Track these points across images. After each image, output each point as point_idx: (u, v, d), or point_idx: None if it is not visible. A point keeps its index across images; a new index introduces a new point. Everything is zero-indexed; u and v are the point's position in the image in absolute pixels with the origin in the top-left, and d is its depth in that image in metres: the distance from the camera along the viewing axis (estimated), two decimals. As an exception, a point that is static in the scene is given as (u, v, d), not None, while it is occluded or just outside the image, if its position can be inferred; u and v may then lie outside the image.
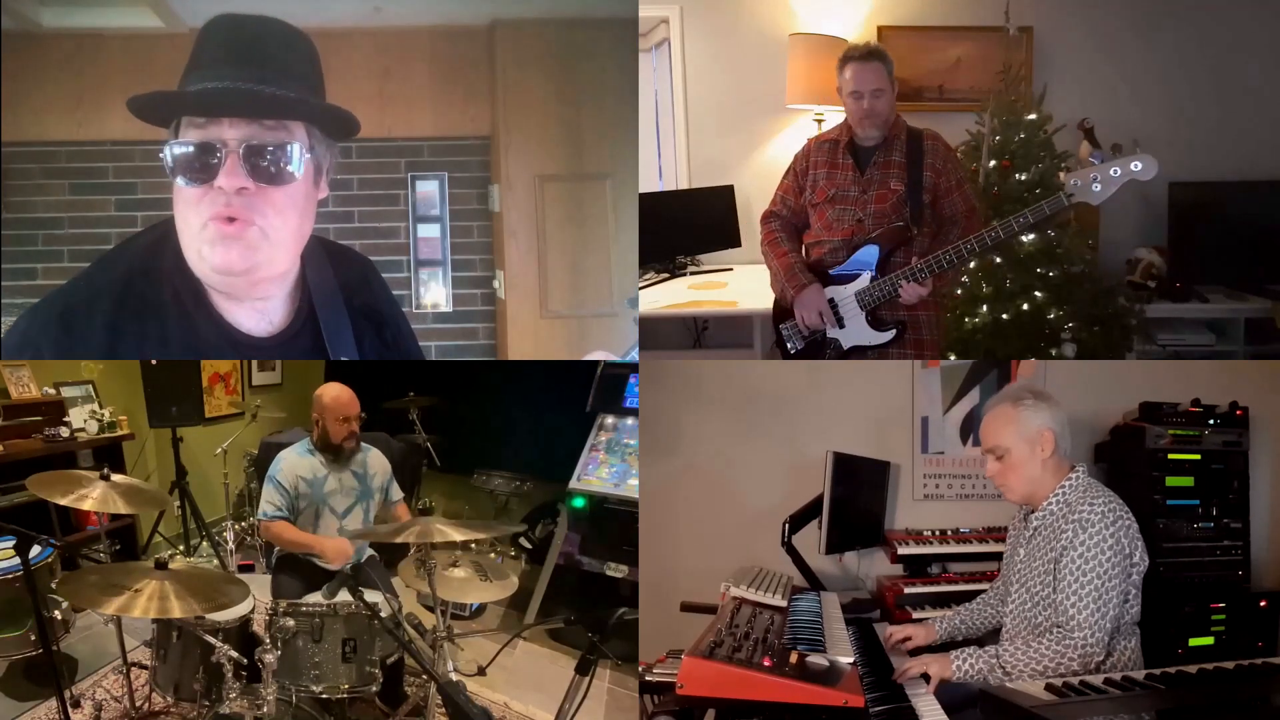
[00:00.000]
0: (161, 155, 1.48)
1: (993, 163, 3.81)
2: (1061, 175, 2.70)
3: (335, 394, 3.00)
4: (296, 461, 3.01)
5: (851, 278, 2.87)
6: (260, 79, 1.47)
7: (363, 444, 3.12)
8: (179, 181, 1.48)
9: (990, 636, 2.42)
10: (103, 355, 1.56)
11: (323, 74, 1.61)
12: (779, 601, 2.40)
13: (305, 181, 1.54)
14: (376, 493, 3.11)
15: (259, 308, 1.62)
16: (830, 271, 2.92)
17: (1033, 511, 2.23)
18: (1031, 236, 3.78)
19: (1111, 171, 2.57)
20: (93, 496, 2.60)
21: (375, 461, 3.13)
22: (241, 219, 1.48)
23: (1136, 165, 2.57)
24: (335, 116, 1.58)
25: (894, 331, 2.85)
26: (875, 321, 2.86)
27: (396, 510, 3.18)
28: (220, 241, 1.47)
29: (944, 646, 2.34)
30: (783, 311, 3.02)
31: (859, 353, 2.91)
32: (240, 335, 1.60)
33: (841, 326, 2.88)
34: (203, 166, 1.46)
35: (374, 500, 3.10)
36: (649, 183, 4.70)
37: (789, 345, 3.01)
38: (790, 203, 3.09)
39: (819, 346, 2.95)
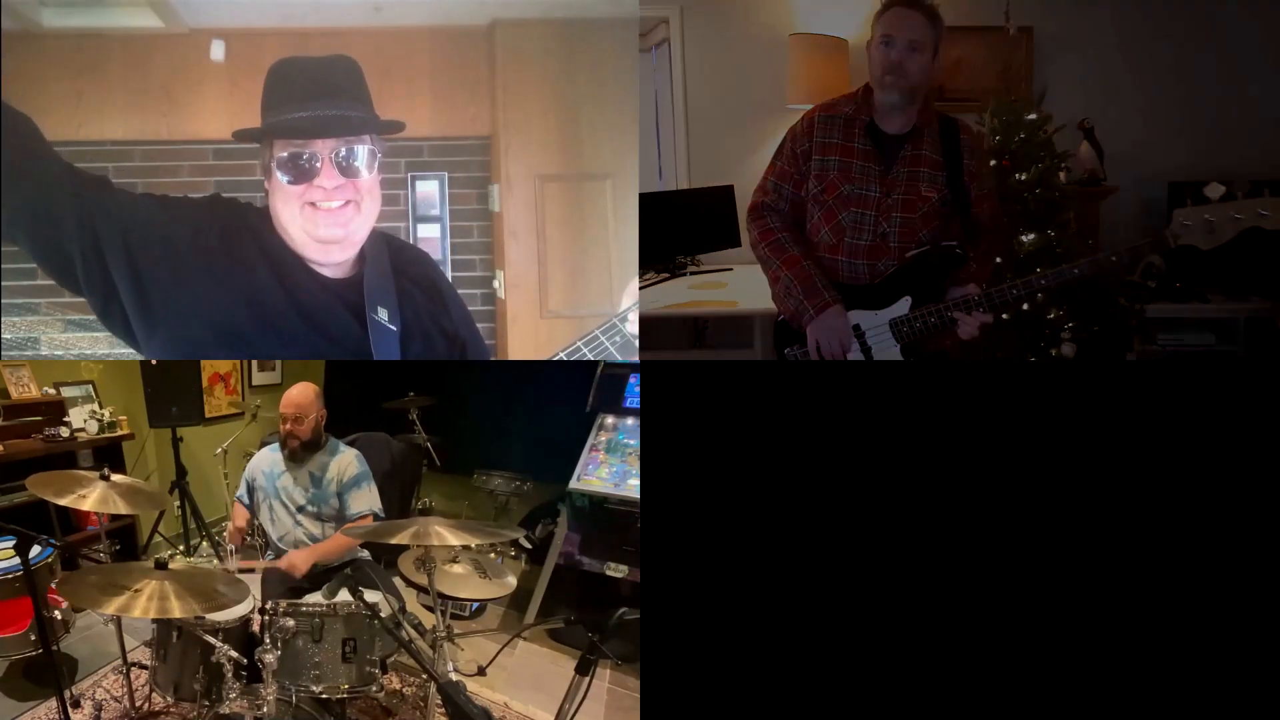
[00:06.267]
0: (270, 163, 1.98)
1: (993, 163, 3.82)
2: (1176, 214, 2.21)
3: (290, 391, 3.01)
4: (264, 455, 3.15)
5: (884, 300, 2.37)
6: (339, 105, 1.98)
7: (338, 448, 3.06)
8: (282, 179, 1.97)
9: None
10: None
11: (367, 84, 2.09)
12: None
13: (373, 170, 2.06)
14: (331, 498, 2.98)
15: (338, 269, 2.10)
16: (854, 286, 2.39)
17: None
18: (1031, 236, 3.79)
19: (1233, 214, 2.14)
20: (91, 497, 2.61)
21: (336, 466, 3.00)
22: (340, 202, 2.00)
23: (1264, 211, 2.10)
24: (389, 124, 2.09)
25: None
26: (911, 355, 2.36)
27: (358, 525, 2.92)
28: (325, 219, 1.99)
29: None
30: (790, 333, 2.46)
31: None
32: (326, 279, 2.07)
33: (868, 358, 2.37)
34: (301, 169, 1.97)
35: (328, 505, 2.98)
36: (649, 183, 4.71)
37: None
38: (788, 193, 2.48)
39: None
